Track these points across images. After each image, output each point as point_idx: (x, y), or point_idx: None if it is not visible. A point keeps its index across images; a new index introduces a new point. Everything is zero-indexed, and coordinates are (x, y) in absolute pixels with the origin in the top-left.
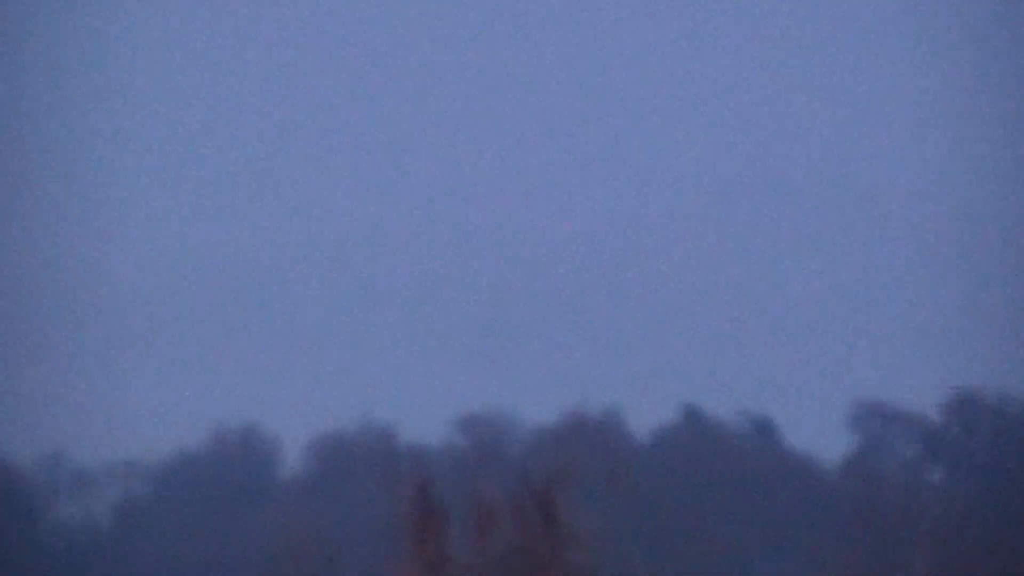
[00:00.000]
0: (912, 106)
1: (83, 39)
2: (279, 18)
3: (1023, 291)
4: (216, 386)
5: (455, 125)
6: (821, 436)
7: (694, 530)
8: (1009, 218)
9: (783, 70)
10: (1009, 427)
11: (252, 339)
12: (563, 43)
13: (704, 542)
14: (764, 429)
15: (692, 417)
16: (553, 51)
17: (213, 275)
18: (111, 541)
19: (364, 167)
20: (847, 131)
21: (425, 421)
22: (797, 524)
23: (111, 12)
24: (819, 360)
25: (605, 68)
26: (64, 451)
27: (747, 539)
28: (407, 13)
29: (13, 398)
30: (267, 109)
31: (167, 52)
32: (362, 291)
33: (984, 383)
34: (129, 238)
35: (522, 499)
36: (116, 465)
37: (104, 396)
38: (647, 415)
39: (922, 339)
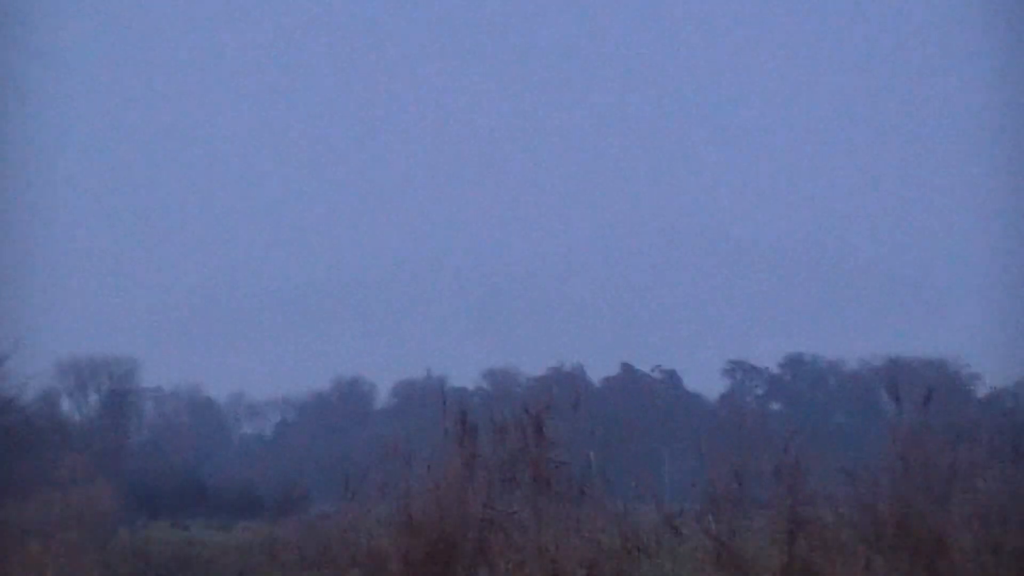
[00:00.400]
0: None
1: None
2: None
3: (836, 281)
4: (336, 351)
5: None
6: (707, 381)
7: (627, 440)
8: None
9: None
10: (821, 376)
11: (359, 325)
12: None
13: (633, 447)
14: (672, 377)
15: (627, 370)
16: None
17: (337, 286)
18: (273, 448)
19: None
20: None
21: (464, 373)
22: (691, 436)
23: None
24: (705, 333)
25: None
26: (244, 390)
27: (660, 445)
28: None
29: (218, 360)
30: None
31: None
32: (426, 295)
33: (806, 349)
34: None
35: (523, 420)
36: (275, 400)
37: (267, 357)
38: (600, 369)
39: (769, 318)
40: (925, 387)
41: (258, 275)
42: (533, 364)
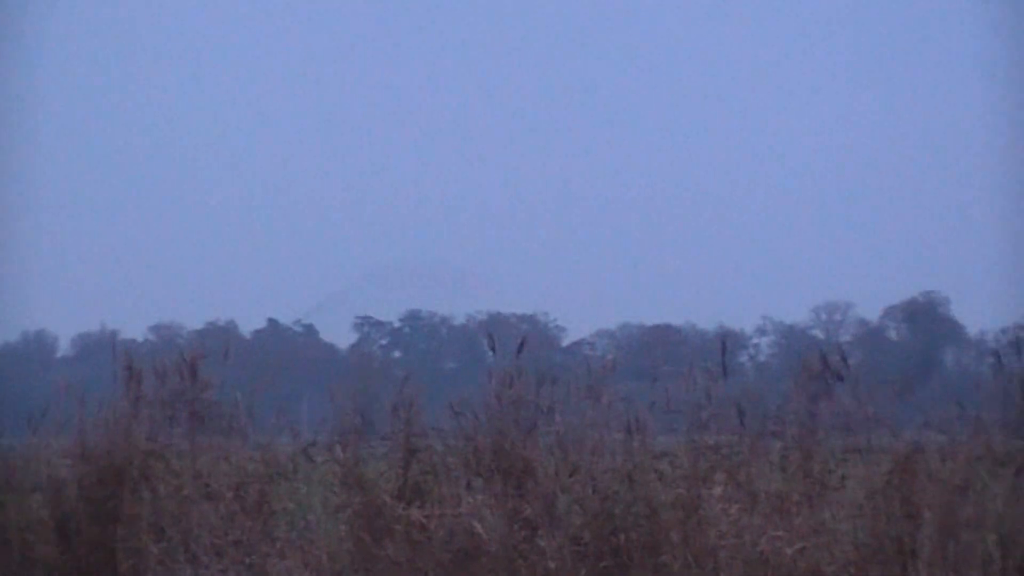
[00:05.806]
0: None
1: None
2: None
3: (449, 256)
4: (26, 306)
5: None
6: (340, 333)
7: (272, 383)
8: None
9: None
10: (435, 329)
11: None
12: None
13: (277, 389)
14: (310, 330)
15: (273, 324)
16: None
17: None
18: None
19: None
20: None
21: (135, 327)
22: (326, 380)
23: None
24: (338, 293)
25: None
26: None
27: (300, 387)
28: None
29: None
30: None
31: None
32: (97, 255)
33: (422, 306)
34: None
35: (181, 366)
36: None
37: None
38: (251, 323)
39: (387, 282)
40: (519, 337)
41: None
42: (193, 319)
